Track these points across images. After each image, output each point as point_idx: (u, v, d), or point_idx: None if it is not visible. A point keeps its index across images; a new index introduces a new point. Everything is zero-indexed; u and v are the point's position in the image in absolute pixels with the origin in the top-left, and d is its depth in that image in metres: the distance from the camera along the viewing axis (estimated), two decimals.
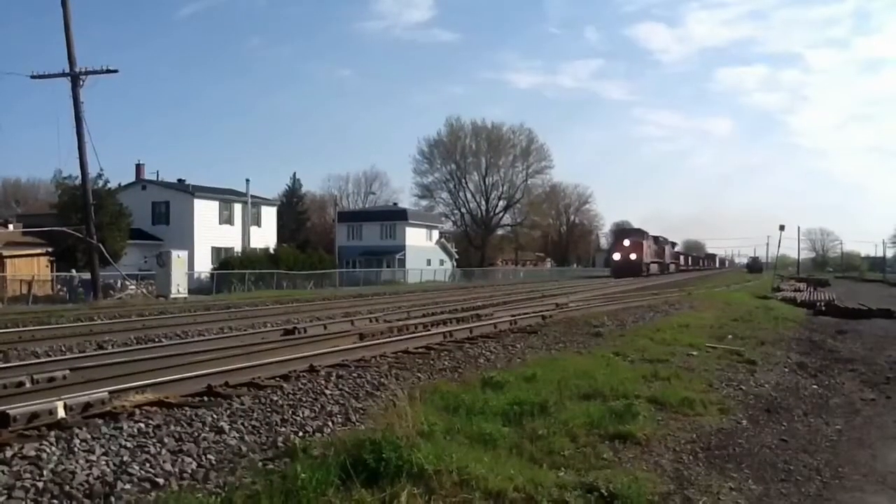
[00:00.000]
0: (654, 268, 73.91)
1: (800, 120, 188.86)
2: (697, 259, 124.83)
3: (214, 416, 6.38)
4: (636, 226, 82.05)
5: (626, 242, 67.69)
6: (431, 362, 10.10)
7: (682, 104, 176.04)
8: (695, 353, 11.83)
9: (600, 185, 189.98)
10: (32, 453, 5.04)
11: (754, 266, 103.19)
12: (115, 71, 28.35)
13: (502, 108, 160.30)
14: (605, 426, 6.62)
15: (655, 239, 79.64)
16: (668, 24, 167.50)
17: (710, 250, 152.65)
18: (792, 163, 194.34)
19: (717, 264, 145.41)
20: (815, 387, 10.01)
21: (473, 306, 20.94)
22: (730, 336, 14.75)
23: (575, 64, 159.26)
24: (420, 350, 11.06)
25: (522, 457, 5.62)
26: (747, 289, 40.00)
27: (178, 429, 5.92)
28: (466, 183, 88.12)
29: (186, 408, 6.62)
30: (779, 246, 47.42)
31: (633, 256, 65.75)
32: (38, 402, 6.02)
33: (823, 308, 25.15)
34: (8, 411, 5.62)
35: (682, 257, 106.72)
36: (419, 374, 9.13)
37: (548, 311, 18.42)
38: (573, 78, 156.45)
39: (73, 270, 33.74)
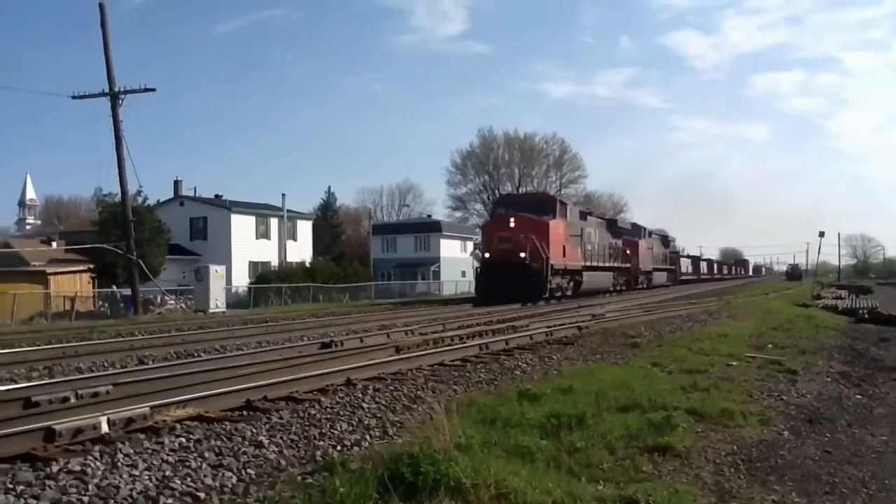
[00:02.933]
0: (659, 277, 57.56)
1: (839, 124, 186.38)
2: (729, 266, 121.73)
3: (254, 430, 6.45)
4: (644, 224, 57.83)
5: (511, 223, 31.18)
6: (468, 375, 10.10)
7: (717, 111, 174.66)
8: (734, 363, 11.67)
9: (635, 194, 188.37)
10: (78, 468, 5.14)
11: (794, 273, 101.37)
12: (153, 89, 28.94)
13: (536, 118, 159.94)
14: (643, 438, 6.55)
15: (664, 239, 64.15)
16: (703, 32, 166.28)
17: (746, 257, 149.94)
18: (831, 168, 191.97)
19: (752, 272, 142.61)
20: (858, 396, 9.83)
21: (509, 318, 20.89)
22: (770, 345, 14.52)
23: (609, 72, 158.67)
24: (456, 362, 11.07)
25: (560, 470, 5.58)
26: (787, 297, 39.41)
27: (219, 443, 5.99)
28: (500, 194, 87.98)
29: (226, 422, 6.71)
30: (818, 252, 46.72)
31: (522, 254, 30.09)
32: (82, 417, 6.12)
33: (866, 315, 24.69)
34: (54, 426, 5.72)
35: (715, 265, 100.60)
36: (455, 387, 9.13)
37: (584, 321, 18.31)
38: (607, 87, 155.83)
39: (114, 286, 34.33)
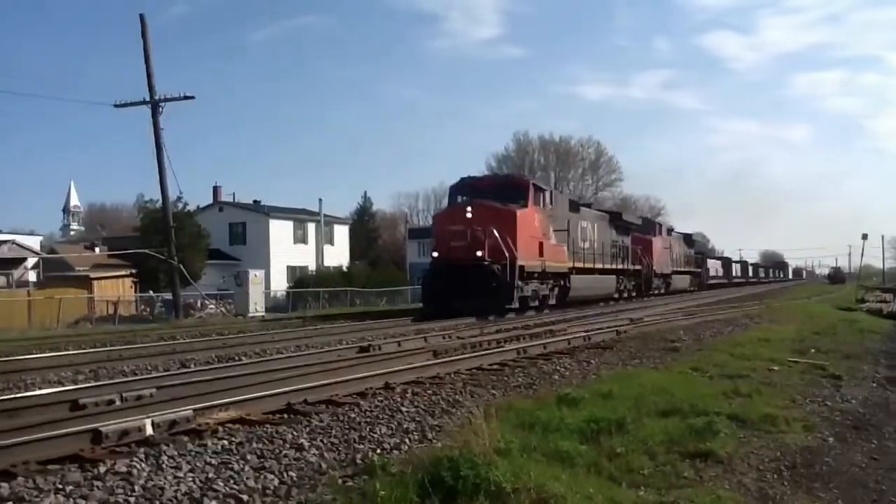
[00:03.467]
0: (679, 280, 49.68)
1: (882, 124, 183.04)
2: (767, 269, 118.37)
3: (294, 433, 6.52)
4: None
5: (467, 213, 23.90)
6: (505, 379, 10.09)
7: (756, 112, 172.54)
8: (776, 367, 11.51)
9: (673, 197, 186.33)
10: (124, 469, 5.24)
11: (836, 277, 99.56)
12: (192, 97, 29.38)
13: (571, 121, 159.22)
14: (684, 444, 6.50)
15: (687, 238, 56.92)
16: (740, 32, 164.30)
17: (786, 260, 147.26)
18: (874, 168, 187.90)
19: (791, 275, 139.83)
20: None
21: (546, 321, 20.81)
22: (812, 350, 14.29)
23: (645, 74, 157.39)
24: (494, 367, 11.06)
25: (601, 475, 5.56)
26: (829, 300, 38.74)
27: (260, 446, 6.06)
28: None
29: (267, 425, 6.79)
30: (862, 255, 46.27)
31: (479, 253, 23.05)
32: (127, 419, 6.24)
33: None
34: (100, 428, 5.85)
35: (750, 268, 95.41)
36: (493, 391, 9.13)
37: (622, 326, 18.19)
38: (643, 89, 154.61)
39: (151, 291, 34.89)
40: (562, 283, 28.33)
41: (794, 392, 9.58)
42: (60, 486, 4.85)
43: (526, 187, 26.05)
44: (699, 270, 58.87)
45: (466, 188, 26.73)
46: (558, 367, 11.29)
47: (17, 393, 8.29)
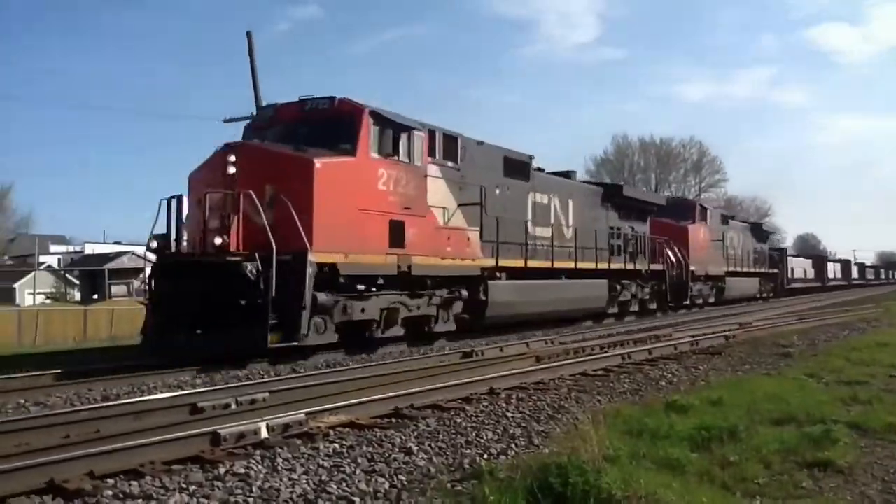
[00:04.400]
0: (738, 284, 35.99)
1: None
2: (878, 269, 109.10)
3: (403, 437, 6.63)
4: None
5: (229, 167, 12.07)
6: (611, 385, 9.97)
7: (869, 107, 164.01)
8: None
9: (781, 197, 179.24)
10: (242, 471, 5.46)
11: None
12: None
13: (671, 121, 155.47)
14: (801, 453, 6.25)
15: (755, 229, 43.64)
16: (851, 24, 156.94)
17: None
18: None
19: None
20: None
21: (651, 326, 20.42)
22: None
23: (749, 71, 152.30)
24: (598, 372, 10.95)
25: (713, 484, 5.42)
26: None
27: (370, 449, 6.20)
28: None
29: (376, 429, 6.93)
30: None
31: (219, 241, 11.71)
32: (243, 422, 6.49)
33: None
34: (219, 431, 6.11)
35: (855, 268, 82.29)
36: (599, 397, 9.03)
37: (730, 330, 17.65)
38: (747, 86, 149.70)
39: None
40: (474, 294, 16.42)
41: None
42: (184, 486, 5.10)
43: (350, 118, 13.63)
44: (774, 272, 44.78)
45: (263, 121, 15.46)
46: (665, 373, 11.06)
47: (140, 396, 8.72)
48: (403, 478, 5.46)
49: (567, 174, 23.39)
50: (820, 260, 67.97)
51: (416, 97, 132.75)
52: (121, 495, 4.88)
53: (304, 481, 5.29)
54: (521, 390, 9.26)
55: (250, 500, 4.89)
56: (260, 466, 5.60)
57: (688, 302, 29.42)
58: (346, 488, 5.17)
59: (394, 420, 7.41)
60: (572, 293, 20.33)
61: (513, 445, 6.51)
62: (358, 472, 5.56)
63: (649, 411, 7.74)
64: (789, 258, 53.85)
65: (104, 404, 8.14)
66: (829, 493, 5.39)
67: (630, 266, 24.29)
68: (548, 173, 21.58)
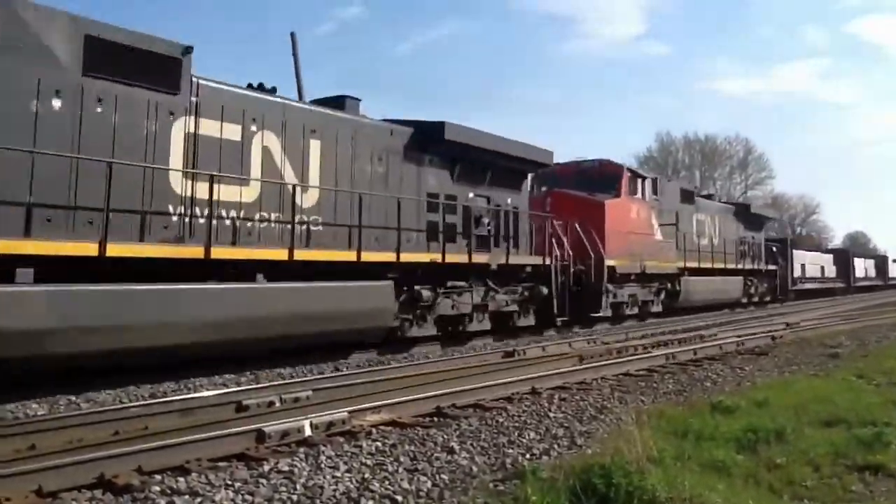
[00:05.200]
0: (712, 287, 26.74)
1: None
2: None
3: (445, 436, 6.65)
4: None
5: None
6: (655, 385, 9.88)
7: None
8: None
9: (829, 194, 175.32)
10: (286, 468, 5.52)
11: None
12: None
13: (715, 118, 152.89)
14: (850, 455, 6.13)
15: (741, 213, 31.99)
16: None
17: None
18: None
19: None
20: None
21: (696, 326, 20.15)
22: None
23: (795, 66, 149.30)
24: (642, 372, 10.85)
25: (760, 486, 5.34)
26: None
27: (412, 448, 6.23)
28: None
29: (418, 428, 6.96)
30: None
31: None
32: (288, 420, 6.57)
33: None
34: (264, 428, 6.19)
35: (889, 264, 67.02)
36: (643, 398, 8.95)
37: (777, 330, 17.36)
38: (793, 81, 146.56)
39: None
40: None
41: None
42: (230, 483, 5.16)
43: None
44: (772, 268, 34.71)
45: None
46: (710, 374, 10.93)
47: (188, 394, 8.85)
48: (446, 477, 5.47)
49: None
50: (843, 255, 54.37)
51: (454, 95, 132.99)
52: (168, 491, 4.97)
53: (348, 479, 5.33)
54: (563, 390, 9.22)
55: (294, 497, 4.94)
56: (304, 464, 5.65)
57: (602, 313, 19.87)
58: (389, 487, 5.20)
59: (436, 419, 7.43)
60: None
61: (555, 445, 6.49)
62: (400, 470, 5.59)
63: (694, 412, 7.65)
64: (799, 252, 42.73)
65: (152, 401, 8.29)
66: (881, 498, 5.28)
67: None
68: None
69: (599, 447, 6.14)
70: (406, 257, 13.27)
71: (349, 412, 7.01)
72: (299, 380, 10.04)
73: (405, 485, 5.25)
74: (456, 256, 14.55)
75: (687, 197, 25.92)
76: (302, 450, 6.04)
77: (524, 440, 6.65)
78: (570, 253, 18.57)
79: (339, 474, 5.43)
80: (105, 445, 5.79)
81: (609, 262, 19.78)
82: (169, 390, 9.41)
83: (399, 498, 4.99)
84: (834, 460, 6.02)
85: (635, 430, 5.38)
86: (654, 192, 23.17)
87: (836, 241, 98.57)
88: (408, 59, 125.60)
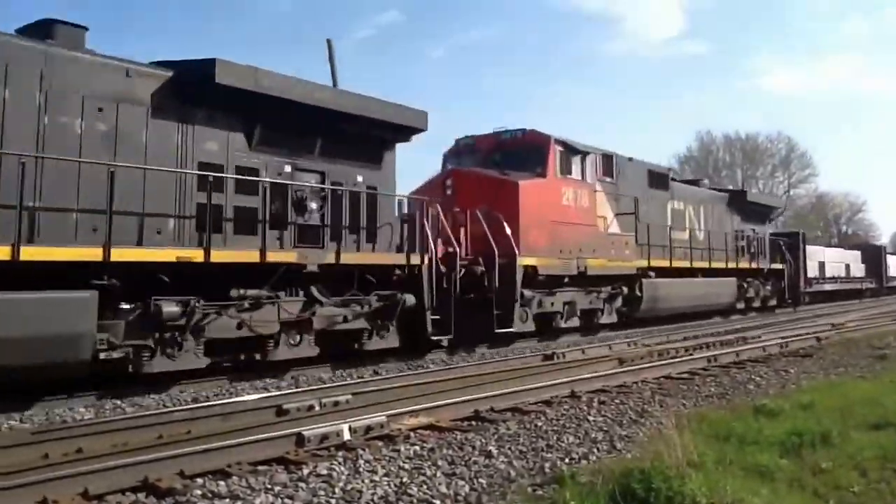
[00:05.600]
0: (686, 292, 21.08)
1: None
2: None
3: (483, 440, 6.64)
4: None
5: None
6: (696, 388, 9.76)
7: None
8: None
9: (876, 192, 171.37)
10: (325, 472, 5.56)
11: None
12: None
13: (757, 116, 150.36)
14: None
15: (738, 201, 26.70)
16: None
17: None
18: None
19: None
20: None
21: (738, 328, 19.86)
22: None
23: (839, 59, 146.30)
24: (683, 375, 10.72)
25: (804, 491, 5.24)
26: None
27: (450, 452, 6.22)
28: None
29: (456, 432, 6.96)
30: None
31: None
32: (327, 424, 6.62)
33: None
34: (303, 432, 6.24)
35: None
36: (684, 401, 8.85)
37: (822, 332, 17.04)
38: (838, 75, 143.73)
39: None
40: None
41: None
42: (269, 486, 5.22)
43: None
44: (778, 267, 28.84)
45: None
46: (753, 376, 10.76)
47: (229, 398, 8.97)
48: (484, 481, 5.46)
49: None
50: (873, 252, 47.25)
51: (495, 97, 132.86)
52: (209, 495, 5.04)
53: (386, 483, 5.35)
54: (603, 393, 9.15)
55: (333, 501, 4.98)
56: (342, 468, 5.69)
57: (514, 327, 14.86)
58: (427, 491, 5.20)
59: (474, 423, 7.43)
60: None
61: (594, 450, 6.44)
62: (438, 474, 5.59)
63: (736, 416, 7.55)
64: (814, 248, 36.57)
65: (195, 405, 8.42)
66: None
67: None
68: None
69: (639, 451, 6.09)
70: (127, 255, 8.99)
71: (387, 416, 7.03)
72: (339, 384, 10.12)
73: (443, 489, 5.25)
74: (234, 254, 10.17)
75: (657, 181, 20.86)
76: (340, 454, 6.08)
77: (563, 444, 6.61)
78: (469, 249, 14.62)
79: (377, 478, 5.45)
80: (149, 449, 5.90)
81: (525, 261, 15.09)
82: (211, 394, 9.54)
83: (437, 502, 4.99)
84: (882, 464, 5.88)
85: (675, 435, 5.30)
86: (608, 173, 18.43)
87: (884, 240, 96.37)
88: (444, 62, 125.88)
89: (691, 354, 12.84)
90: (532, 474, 5.68)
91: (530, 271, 15.33)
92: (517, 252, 14.74)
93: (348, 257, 11.78)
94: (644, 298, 19.00)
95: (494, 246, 14.40)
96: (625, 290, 18.66)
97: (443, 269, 13.40)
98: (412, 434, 6.82)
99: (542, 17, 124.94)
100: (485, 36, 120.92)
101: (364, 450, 6.19)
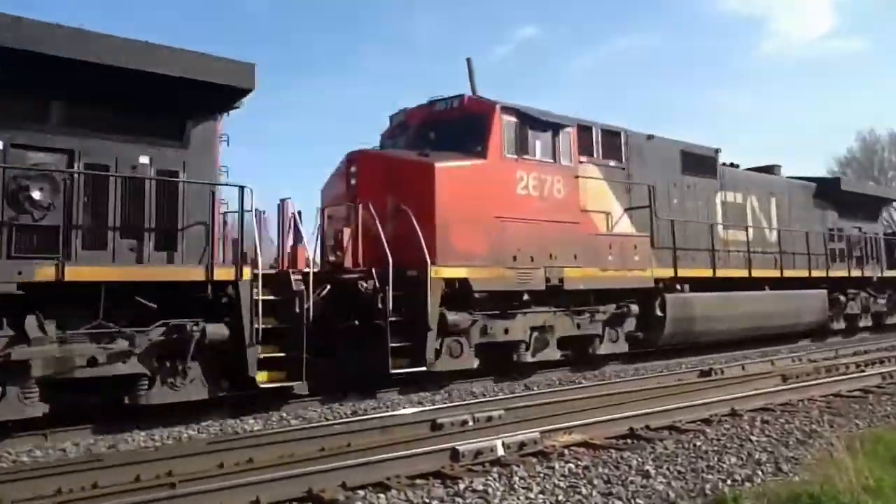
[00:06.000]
0: (773, 306, 16.67)
1: None
2: None
3: (639, 459, 6.51)
4: None
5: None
6: (870, 407, 9.14)
7: None
8: None
9: None
10: (480, 487, 5.62)
11: None
12: None
13: None
14: None
15: (822, 189, 20.33)
16: None
17: None
18: None
19: None
20: None
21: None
22: None
23: None
24: (855, 393, 10.08)
25: None
26: None
27: (606, 471, 6.14)
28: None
29: (612, 450, 6.86)
30: None
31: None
32: (480, 439, 6.68)
33: None
34: (458, 447, 6.34)
35: None
36: (857, 421, 8.31)
37: None
38: None
39: None
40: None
41: None
42: (427, 500, 5.34)
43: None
44: None
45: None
46: None
47: (386, 411, 9.24)
48: (642, 502, 5.38)
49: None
50: None
51: (642, 109, 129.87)
52: None
53: (541, 501, 5.36)
54: (766, 412, 8.74)
55: None
56: (497, 484, 5.73)
57: (437, 366, 11.09)
58: None
59: (629, 441, 7.29)
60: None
61: (759, 471, 6.17)
62: (594, 493, 5.54)
63: None
64: None
65: (354, 418, 8.73)
66: None
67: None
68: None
69: (808, 475, 5.80)
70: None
71: (541, 432, 7.03)
72: (491, 399, 10.20)
73: None
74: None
75: (697, 165, 16.23)
76: (495, 469, 6.12)
77: (724, 465, 6.37)
78: (362, 258, 10.99)
79: (532, 496, 5.46)
80: (313, 461, 6.17)
81: (445, 272, 11.08)
82: (369, 408, 9.85)
83: None
84: None
85: (847, 457, 5.03)
86: (612, 154, 14.18)
87: None
88: (587, 73, 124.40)
89: (863, 370, 12.04)
90: (692, 496, 5.52)
91: (459, 285, 11.33)
92: (429, 260, 10.66)
93: (85, 272, 7.94)
94: (669, 319, 14.23)
95: (388, 251, 10.47)
96: (634, 308, 13.85)
97: (298, 287, 9.60)
98: (566, 451, 6.78)
99: (686, 22, 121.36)
100: (629, 45, 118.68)
101: (518, 466, 6.20)
